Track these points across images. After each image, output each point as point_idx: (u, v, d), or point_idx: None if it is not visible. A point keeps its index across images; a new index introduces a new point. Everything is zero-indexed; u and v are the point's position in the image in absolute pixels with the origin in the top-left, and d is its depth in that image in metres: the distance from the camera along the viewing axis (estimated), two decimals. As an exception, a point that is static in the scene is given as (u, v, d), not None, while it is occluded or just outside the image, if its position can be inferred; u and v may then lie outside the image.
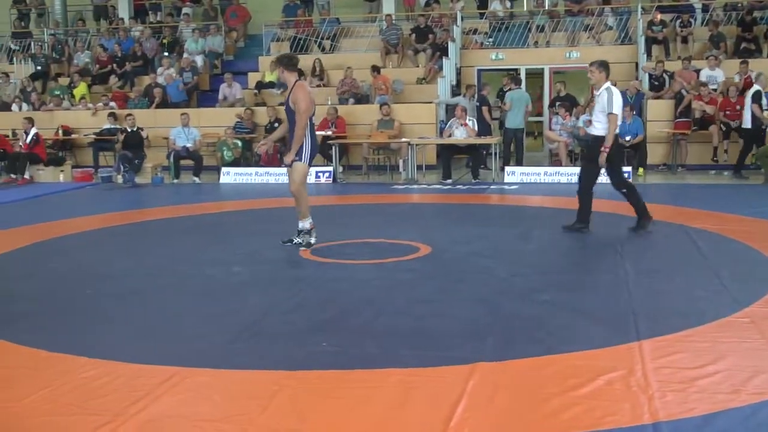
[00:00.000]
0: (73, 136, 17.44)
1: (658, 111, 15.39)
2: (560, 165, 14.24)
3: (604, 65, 8.43)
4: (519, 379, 4.15)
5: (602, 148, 8.32)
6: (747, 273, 6.48)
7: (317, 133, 14.94)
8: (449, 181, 13.65)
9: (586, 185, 8.65)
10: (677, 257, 7.25)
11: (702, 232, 8.31)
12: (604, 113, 8.30)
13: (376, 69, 16.98)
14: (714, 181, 13.48)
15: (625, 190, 8.67)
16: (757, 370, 4.15)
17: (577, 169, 13.81)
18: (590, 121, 8.95)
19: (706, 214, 9.57)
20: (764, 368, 4.18)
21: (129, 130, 15.25)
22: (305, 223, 7.87)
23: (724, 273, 6.39)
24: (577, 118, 15.01)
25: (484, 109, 15.63)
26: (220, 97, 17.74)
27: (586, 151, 8.63)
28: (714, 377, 4.06)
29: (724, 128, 14.40)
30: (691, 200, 11.03)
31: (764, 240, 7.74)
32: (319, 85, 17.66)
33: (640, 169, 14.30)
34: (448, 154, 14.21)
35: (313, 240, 7.88)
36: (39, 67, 20.30)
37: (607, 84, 8.39)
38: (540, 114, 18.55)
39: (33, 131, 15.46)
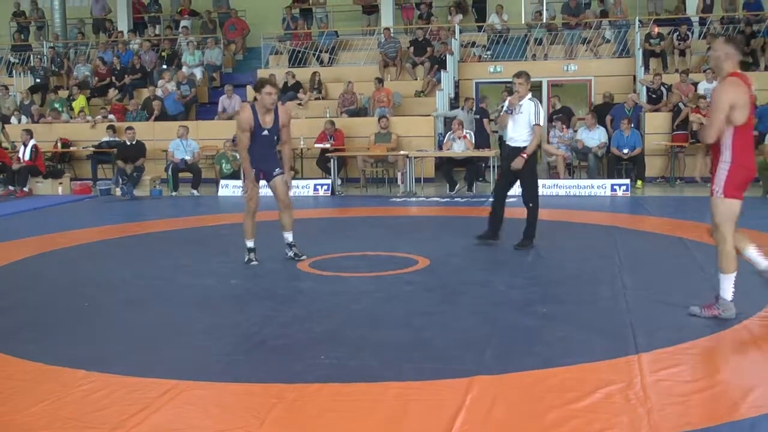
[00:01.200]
0: (72, 148, 17.48)
1: (656, 124, 15.43)
2: (558, 178, 14.26)
3: (529, 77, 8.45)
4: (517, 392, 4.15)
5: (522, 154, 8.22)
6: (745, 286, 6.47)
7: (316, 145, 15.15)
8: (456, 188, 13.77)
9: (503, 194, 8.60)
10: (675, 270, 7.25)
11: (700, 245, 8.30)
12: (530, 125, 8.24)
13: (379, 81, 17.05)
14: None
15: (531, 205, 8.49)
16: (756, 383, 4.14)
17: (576, 182, 13.94)
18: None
19: (704, 227, 9.54)
20: (763, 382, 4.18)
21: (129, 143, 15.27)
22: (291, 236, 7.90)
23: (722, 286, 6.38)
24: (575, 131, 15.06)
25: (485, 121, 15.68)
26: (220, 108, 17.78)
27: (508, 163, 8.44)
28: (713, 390, 4.06)
29: (721, 141, 14.43)
30: (689, 213, 11.04)
31: (763, 253, 7.72)
32: (318, 98, 17.73)
33: (639, 182, 14.33)
34: (448, 166, 14.25)
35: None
36: (38, 80, 20.35)
37: (529, 95, 8.37)
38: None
39: (32, 143, 15.48)
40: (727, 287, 5.50)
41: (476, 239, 8.56)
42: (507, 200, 8.67)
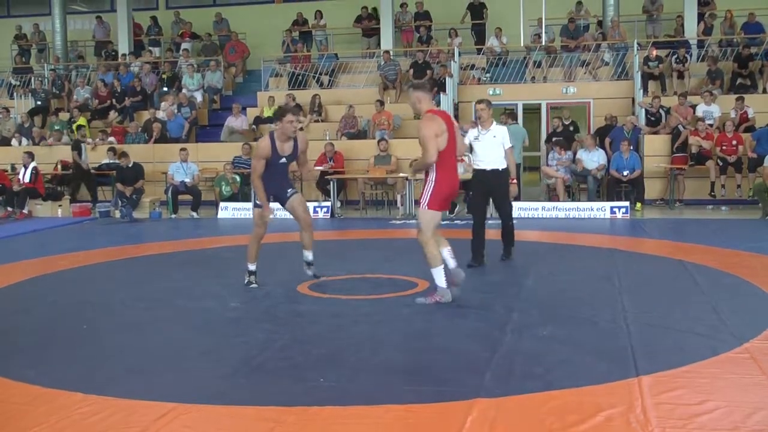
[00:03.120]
0: (72, 170, 17.47)
1: (655, 146, 15.47)
2: (557, 200, 14.27)
3: (490, 104, 8.87)
4: (518, 415, 4.13)
5: (512, 180, 8.84)
6: (746, 308, 6.47)
7: (315, 167, 15.19)
8: (456, 210, 13.80)
9: (483, 219, 8.89)
10: (675, 292, 7.24)
11: (700, 267, 8.31)
12: (505, 147, 8.62)
13: (381, 103, 17.13)
14: (711, 216, 13.51)
15: (511, 222, 8.99)
16: (757, 406, 4.12)
17: (575, 204, 13.94)
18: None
19: (704, 249, 9.57)
20: (764, 405, 4.16)
21: (124, 167, 15.30)
22: (311, 255, 7.88)
23: (722, 308, 6.38)
24: (575, 153, 15.08)
25: None
26: (226, 125, 17.85)
27: (486, 185, 8.78)
28: (714, 413, 4.03)
29: (720, 163, 14.48)
30: (689, 235, 11.05)
31: (763, 275, 7.73)
32: (317, 121, 17.78)
33: (638, 204, 14.34)
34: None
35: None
36: (39, 102, 20.41)
37: (493, 121, 8.81)
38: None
39: (32, 165, 15.51)
40: (439, 277, 6.67)
41: (468, 267, 8.37)
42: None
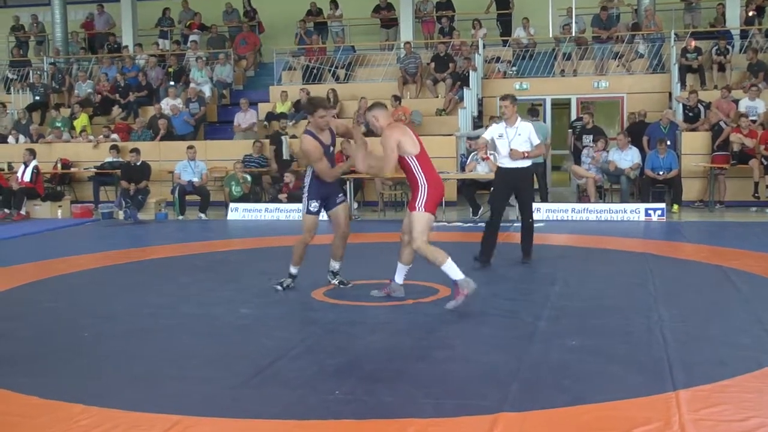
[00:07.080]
0: (73, 169, 17.59)
1: (694, 144, 15.37)
2: (589, 201, 14.20)
3: (515, 100, 9.07)
4: (545, 431, 4.11)
5: (525, 153, 8.87)
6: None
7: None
8: (480, 212, 13.80)
9: (500, 217, 9.23)
10: (716, 300, 7.19)
11: (742, 274, 8.24)
12: (532, 145, 8.91)
13: (397, 99, 17.10)
14: (755, 219, 13.41)
15: (531, 221, 9.24)
16: (805, 422, 4.08)
17: (606, 206, 13.88)
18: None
19: (747, 254, 9.50)
20: (812, 421, 4.11)
21: (133, 164, 15.38)
22: (339, 265, 8.01)
23: (767, 318, 6.33)
24: (607, 152, 14.99)
25: None
26: (235, 123, 17.91)
27: (510, 184, 9.17)
28: (758, 431, 4.00)
29: (765, 162, 14.36)
30: (731, 239, 10.97)
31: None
32: (333, 117, 17.76)
33: (675, 206, 14.25)
34: (471, 189, 14.22)
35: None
36: (38, 97, 20.51)
37: (519, 118, 9.07)
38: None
39: (33, 164, 15.57)
40: (453, 271, 6.76)
41: (474, 260, 8.93)
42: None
